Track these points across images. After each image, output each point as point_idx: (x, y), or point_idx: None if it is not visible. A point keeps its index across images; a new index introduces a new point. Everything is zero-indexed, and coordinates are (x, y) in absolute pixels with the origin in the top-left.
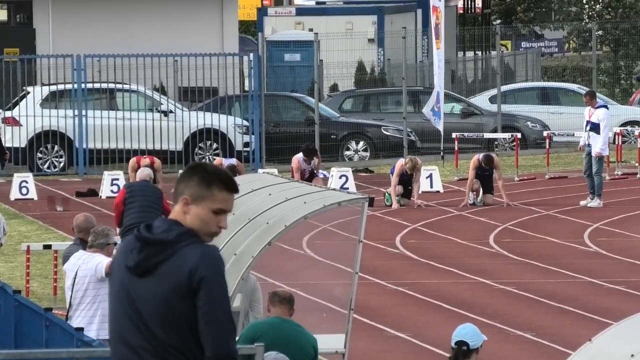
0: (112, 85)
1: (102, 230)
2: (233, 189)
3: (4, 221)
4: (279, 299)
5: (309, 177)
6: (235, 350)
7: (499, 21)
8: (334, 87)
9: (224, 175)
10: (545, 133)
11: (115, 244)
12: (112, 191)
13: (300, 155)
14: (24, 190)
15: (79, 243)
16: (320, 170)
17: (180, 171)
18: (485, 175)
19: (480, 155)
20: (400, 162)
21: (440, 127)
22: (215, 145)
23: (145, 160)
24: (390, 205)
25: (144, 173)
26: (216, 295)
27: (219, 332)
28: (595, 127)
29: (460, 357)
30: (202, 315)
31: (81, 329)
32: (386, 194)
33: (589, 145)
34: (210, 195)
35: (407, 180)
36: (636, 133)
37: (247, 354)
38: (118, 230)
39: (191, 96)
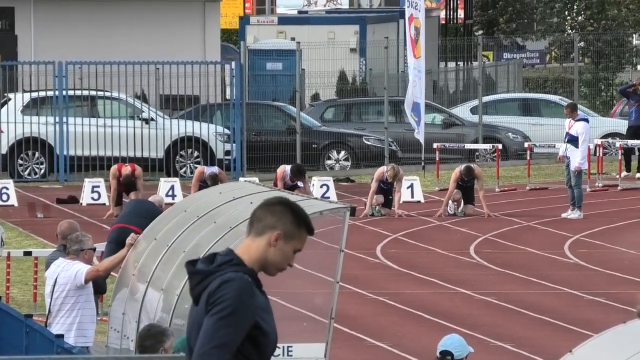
0: (93, 93)
1: (75, 236)
2: (313, 233)
3: (2, 230)
4: None
5: (291, 187)
6: None
7: (481, 32)
8: (316, 97)
9: (309, 219)
10: (526, 144)
11: (94, 250)
12: (92, 198)
13: (287, 168)
14: (4, 197)
15: (62, 250)
16: None
17: (264, 201)
18: (466, 186)
19: (462, 167)
20: (380, 169)
21: (421, 137)
22: (196, 154)
23: (127, 168)
24: (372, 215)
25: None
26: (218, 319)
27: (205, 347)
28: (573, 140)
29: None
30: (201, 331)
31: (61, 336)
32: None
33: (567, 157)
34: (299, 236)
35: (387, 189)
36: (617, 145)
37: None
38: None
39: (172, 104)
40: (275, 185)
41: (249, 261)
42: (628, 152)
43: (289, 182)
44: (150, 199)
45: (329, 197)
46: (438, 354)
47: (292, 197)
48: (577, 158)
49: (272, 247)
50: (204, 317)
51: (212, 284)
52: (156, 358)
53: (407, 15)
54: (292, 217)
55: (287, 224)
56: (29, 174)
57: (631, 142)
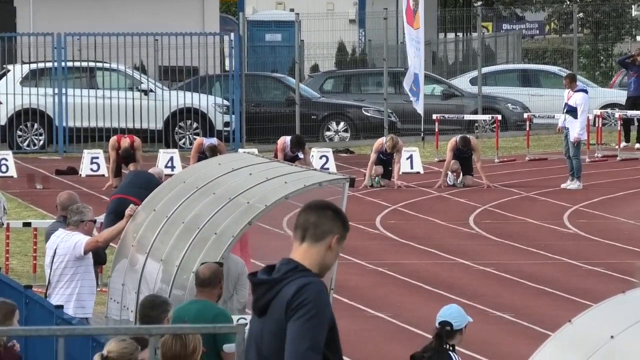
0: (92, 64)
1: (76, 207)
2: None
3: (4, 200)
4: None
5: (291, 159)
6: None
7: (480, 3)
8: (315, 68)
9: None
10: (525, 115)
11: (94, 221)
12: (91, 169)
13: (287, 139)
14: (3, 168)
15: (62, 221)
16: None
17: (311, 207)
18: (464, 157)
19: (458, 137)
20: (380, 140)
21: (420, 108)
22: (195, 125)
23: (126, 139)
24: (372, 187)
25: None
26: (304, 321)
27: (297, 349)
28: (572, 111)
29: (444, 338)
30: (288, 336)
31: (61, 307)
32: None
33: (566, 128)
34: (346, 236)
35: (387, 160)
36: (616, 115)
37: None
38: None
39: (171, 75)
40: (276, 156)
41: (310, 266)
42: (627, 122)
43: (289, 154)
44: (150, 170)
45: (328, 169)
46: (437, 324)
47: (289, 167)
48: (575, 129)
49: (330, 251)
50: (286, 323)
51: (285, 290)
52: (154, 328)
53: None
54: (342, 220)
55: (340, 227)
56: (28, 145)
57: (630, 113)
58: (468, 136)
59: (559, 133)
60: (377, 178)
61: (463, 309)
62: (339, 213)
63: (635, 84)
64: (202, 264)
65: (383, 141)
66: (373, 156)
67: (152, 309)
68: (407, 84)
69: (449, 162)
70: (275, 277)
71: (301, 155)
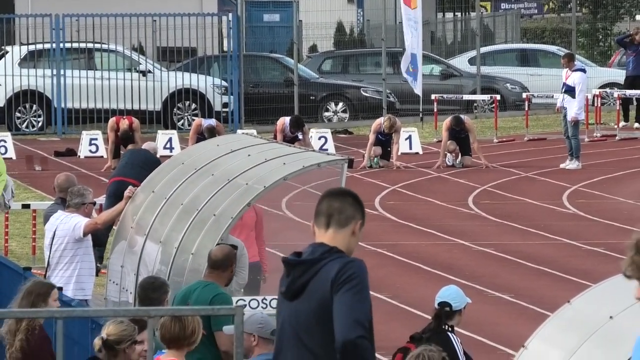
0: (90, 45)
1: (77, 190)
2: None
3: (12, 184)
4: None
5: (291, 139)
6: (364, 343)
7: None
8: (313, 48)
9: None
10: (524, 95)
11: (94, 204)
12: (90, 151)
13: (287, 120)
14: (2, 150)
15: (60, 203)
16: None
17: (332, 194)
18: (461, 137)
19: (451, 117)
20: (378, 121)
21: (418, 89)
22: (194, 106)
23: (124, 121)
24: (371, 167)
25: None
26: (353, 294)
27: (347, 321)
28: (570, 90)
29: (443, 318)
30: (336, 308)
31: (60, 289)
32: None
33: (565, 107)
34: (364, 224)
35: (385, 141)
36: (615, 95)
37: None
38: None
39: (170, 56)
40: (275, 137)
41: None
42: (626, 102)
43: (288, 134)
44: (144, 146)
45: (327, 149)
46: (436, 305)
47: (287, 148)
48: (573, 108)
49: (354, 236)
50: (331, 299)
51: (325, 269)
52: (153, 310)
53: None
54: (361, 206)
55: (360, 213)
56: (27, 127)
57: (629, 92)
58: (461, 116)
59: (558, 113)
60: (375, 159)
61: (462, 289)
62: (358, 199)
63: (634, 63)
64: (219, 244)
65: (381, 121)
66: (372, 137)
67: (153, 290)
68: (404, 66)
69: (445, 142)
70: (312, 257)
71: (300, 136)
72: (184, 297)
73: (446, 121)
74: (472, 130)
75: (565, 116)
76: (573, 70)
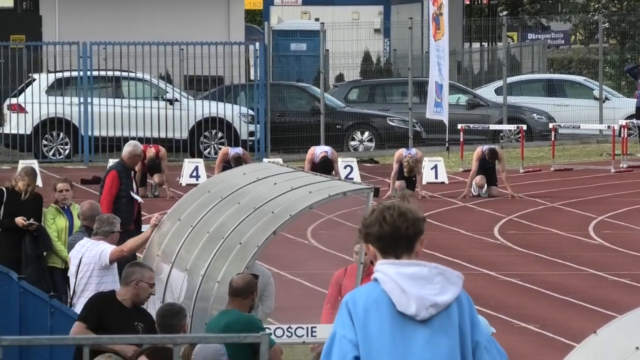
0: (117, 73)
1: (106, 218)
2: None
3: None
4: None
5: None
6: None
7: (505, 12)
8: (340, 77)
9: None
10: (550, 125)
11: (121, 232)
12: None
13: (317, 149)
14: None
15: (84, 230)
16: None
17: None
18: (489, 167)
19: (485, 148)
20: (400, 151)
21: (444, 118)
22: (220, 134)
23: (151, 149)
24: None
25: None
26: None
27: None
28: None
29: None
30: None
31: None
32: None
33: None
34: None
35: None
36: None
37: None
38: None
39: (197, 85)
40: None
41: None
42: None
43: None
44: (127, 145)
45: (352, 178)
46: None
47: (313, 177)
48: None
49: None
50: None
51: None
52: (179, 337)
53: None
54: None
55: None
56: (54, 155)
57: (637, 122)
58: (495, 148)
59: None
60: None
61: (487, 319)
62: None
63: None
64: (238, 274)
65: (403, 152)
66: (395, 166)
67: (172, 317)
68: (430, 105)
69: (475, 172)
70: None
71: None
72: (210, 330)
73: (477, 151)
74: (502, 160)
75: None
76: None
